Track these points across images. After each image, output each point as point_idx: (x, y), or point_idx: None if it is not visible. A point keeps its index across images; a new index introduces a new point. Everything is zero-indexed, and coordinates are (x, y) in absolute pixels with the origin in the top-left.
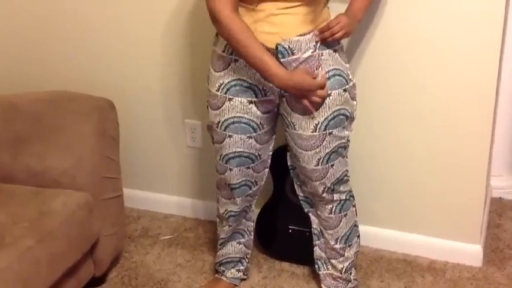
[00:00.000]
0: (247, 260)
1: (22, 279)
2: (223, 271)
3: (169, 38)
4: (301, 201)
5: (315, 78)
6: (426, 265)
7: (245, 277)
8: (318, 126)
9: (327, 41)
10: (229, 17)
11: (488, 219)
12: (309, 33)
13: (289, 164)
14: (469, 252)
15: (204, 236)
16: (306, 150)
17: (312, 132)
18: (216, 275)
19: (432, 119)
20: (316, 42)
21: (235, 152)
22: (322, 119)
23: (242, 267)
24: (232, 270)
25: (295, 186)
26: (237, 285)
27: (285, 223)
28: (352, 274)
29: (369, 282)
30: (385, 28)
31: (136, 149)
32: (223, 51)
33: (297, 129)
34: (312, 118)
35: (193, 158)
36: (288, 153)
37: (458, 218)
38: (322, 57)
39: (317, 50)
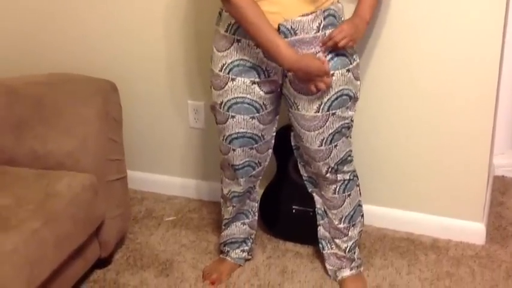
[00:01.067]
0: (251, 240)
1: (29, 262)
2: (228, 251)
3: (172, 19)
4: (305, 181)
5: (323, 63)
6: (429, 243)
7: (249, 257)
8: (321, 107)
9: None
10: None
11: (491, 197)
12: (311, 13)
13: (292, 144)
14: (472, 230)
15: (208, 216)
16: (310, 131)
17: (315, 112)
18: (221, 255)
19: (435, 97)
20: (319, 24)
21: (238, 132)
22: (326, 99)
23: (246, 248)
24: (237, 251)
25: (299, 166)
26: (241, 265)
27: (288, 203)
28: (356, 253)
29: (373, 260)
30: (388, 10)
31: (139, 131)
32: (226, 31)
33: (300, 109)
34: (315, 99)
35: (196, 139)
36: (291, 133)
37: (461, 196)
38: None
39: (320, 31)
